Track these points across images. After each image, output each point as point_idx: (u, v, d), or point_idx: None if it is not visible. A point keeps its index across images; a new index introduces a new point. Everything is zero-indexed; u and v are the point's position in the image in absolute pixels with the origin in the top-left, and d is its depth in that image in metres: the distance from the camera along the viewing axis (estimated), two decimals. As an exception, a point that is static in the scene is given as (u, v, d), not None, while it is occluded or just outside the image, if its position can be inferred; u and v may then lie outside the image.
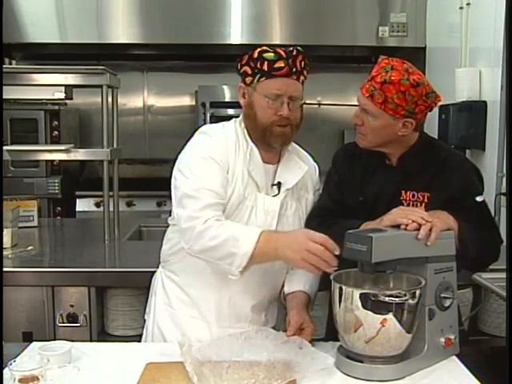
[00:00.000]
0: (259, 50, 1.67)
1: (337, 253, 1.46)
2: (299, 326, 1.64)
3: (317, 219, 1.83)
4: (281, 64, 1.64)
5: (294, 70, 1.65)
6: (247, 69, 1.69)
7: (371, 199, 1.75)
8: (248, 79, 1.69)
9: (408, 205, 1.70)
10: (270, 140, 1.70)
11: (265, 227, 1.65)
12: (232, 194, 1.67)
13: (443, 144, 1.90)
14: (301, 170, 1.78)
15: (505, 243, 1.71)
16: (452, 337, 1.58)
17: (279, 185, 1.74)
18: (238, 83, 1.76)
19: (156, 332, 1.81)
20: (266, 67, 1.65)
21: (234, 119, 1.80)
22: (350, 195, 1.80)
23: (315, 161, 1.91)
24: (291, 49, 1.68)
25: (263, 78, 1.66)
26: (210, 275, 1.70)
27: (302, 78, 1.69)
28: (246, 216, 1.69)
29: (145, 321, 1.91)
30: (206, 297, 1.74)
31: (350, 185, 1.81)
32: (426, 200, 1.70)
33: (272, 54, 1.65)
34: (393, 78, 1.60)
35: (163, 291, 1.83)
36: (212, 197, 1.62)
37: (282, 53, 1.66)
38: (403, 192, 1.72)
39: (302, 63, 1.68)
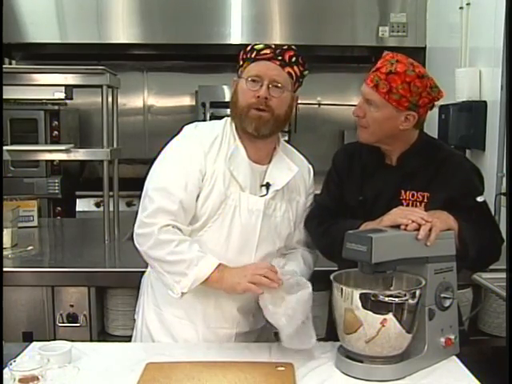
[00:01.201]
0: (254, 43, 1.71)
1: (279, 281, 1.54)
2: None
3: (316, 219, 1.83)
4: (266, 51, 1.67)
5: (280, 58, 1.66)
6: (239, 61, 1.73)
7: (371, 199, 1.75)
8: (239, 70, 1.73)
9: (408, 204, 1.70)
10: (245, 124, 1.67)
11: (249, 227, 1.68)
12: (211, 194, 1.66)
13: (443, 144, 1.90)
14: (291, 171, 1.76)
15: (505, 243, 1.71)
16: (452, 337, 1.58)
17: (268, 185, 1.73)
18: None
19: (144, 332, 1.82)
20: (253, 55, 1.69)
21: (226, 118, 1.79)
22: (349, 195, 1.80)
23: (313, 161, 1.91)
24: (284, 44, 1.71)
25: (247, 63, 1.69)
26: None
27: (288, 69, 1.67)
28: (229, 215, 1.68)
29: (135, 320, 1.91)
30: (192, 298, 1.71)
31: (350, 184, 1.80)
32: (425, 200, 1.69)
33: (262, 45, 1.69)
34: (398, 69, 1.62)
35: (151, 291, 1.83)
36: (170, 200, 1.63)
37: (272, 45, 1.68)
38: (403, 191, 1.72)
39: (293, 58, 1.67)
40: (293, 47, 1.70)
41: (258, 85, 1.65)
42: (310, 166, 1.89)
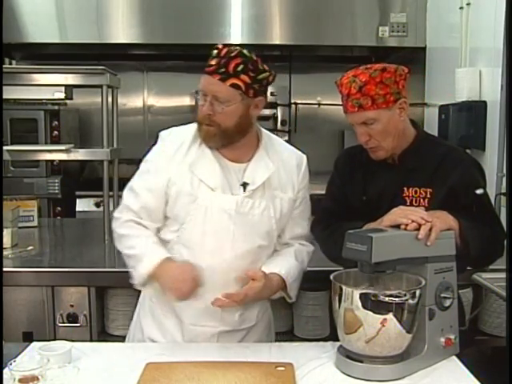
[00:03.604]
0: (220, 45, 1.68)
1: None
2: (254, 275, 1.68)
3: (321, 224, 1.86)
4: (212, 62, 1.65)
5: (222, 70, 1.63)
6: None
7: (374, 198, 1.76)
8: None
9: (411, 201, 1.72)
10: (201, 138, 1.72)
11: (222, 226, 1.70)
12: (179, 196, 1.71)
13: (441, 140, 1.92)
14: (268, 170, 1.75)
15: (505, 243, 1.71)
16: (452, 337, 1.58)
17: (245, 184, 1.73)
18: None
19: (138, 325, 1.87)
20: (206, 65, 1.68)
21: None
22: (353, 196, 1.81)
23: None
24: (236, 49, 1.66)
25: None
26: None
27: (232, 80, 1.63)
28: (200, 215, 1.71)
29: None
30: None
31: (353, 186, 1.81)
32: (428, 195, 1.71)
33: (214, 52, 1.67)
34: (363, 79, 1.65)
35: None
36: (135, 200, 1.75)
37: (223, 51, 1.65)
38: (406, 189, 1.73)
39: (239, 67, 1.63)
40: (244, 52, 1.66)
41: (203, 100, 1.67)
42: (304, 157, 1.86)
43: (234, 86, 1.64)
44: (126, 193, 1.79)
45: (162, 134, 1.82)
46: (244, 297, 1.65)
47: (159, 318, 1.81)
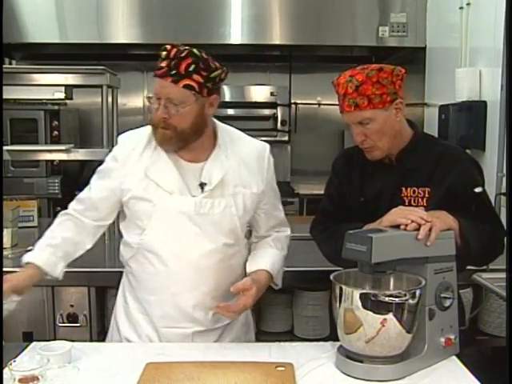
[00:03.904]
0: (170, 46, 1.65)
1: None
2: (244, 287, 1.68)
3: (319, 225, 1.87)
4: (163, 64, 1.62)
5: (174, 72, 1.60)
6: None
7: (372, 199, 1.76)
8: None
9: (409, 201, 1.72)
10: (156, 141, 1.70)
11: (181, 228, 1.70)
12: (138, 201, 1.71)
13: (439, 139, 1.92)
14: (223, 169, 1.73)
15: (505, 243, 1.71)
16: (452, 337, 1.58)
17: (203, 185, 1.72)
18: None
19: (114, 326, 1.88)
20: (156, 68, 1.64)
21: None
22: (351, 197, 1.81)
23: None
24: (186, 49, 1.63)
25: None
26: (149, 277, 1.76)
27: (185, 81, 1.60)
28: (160, 220, 1.71)
29: None
30: (149, 298, 1.78)
31: (351, 187, 1.81)
32: (426, 195, 1.71)
33: (164, 53, 1.63)
34: (359, 79, 1.65)
35: (122, 287, 1.89)
36: (87, 193, 1.80)
37: (173, 52, 1.62)
38: (404, 189, 1.73)
39: (190, 67, 1.60)
40: (194, 52, 1.63)
41: (157, 103, 1.64)
42: (266, 145, 1.84)
43: (187, 86, 1.61)
44: (82, 192, 1.83)
45: (120, 137, 1.81)
46: (244, 307, 1.67)
47: (135, 320, 1.81)
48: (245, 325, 1.90)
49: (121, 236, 1.85)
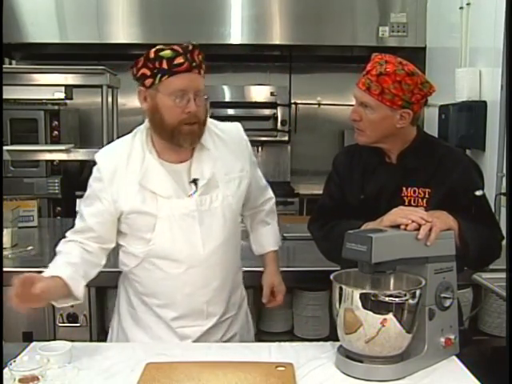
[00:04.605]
0: (154, 49, 1.61)
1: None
2: (271, 289, 1.92)
3: (318, 222, 1.86)
4: (180, 60, 1.59)
5: (194, 64, 1.61)
6: (145, 71, 1.63)
7: (373, 197, 1.75)
8: (148, 81, 1.64)
9: (410, 201, 1.71)
10: (179, 141, 1.65)
11: (189, 230, 1.70)
12: (137, 216, 1.68)
13: (441, 140, 1.92)
14: (212, 160, 1.73)
15: (504, 243, 1.71)
16: (452, 337, 1.58)
17: (195, 181, 1.71)
18: (138, 88, 1.72)
19: (120, 333, 1.86)
20: (165, 65, 1.59)
21: (136, 128, 1.82)
22: (351, 194, 1.80)
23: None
24: (186, 44, 1.63)
25: (165, 77, 1.60)
26: (159, 283, 1.74)
27: (202, 71, 1.65)
28: (165, 226, 1.69)
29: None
30: (160, 303, 1.77)
31: (351, 184, 1.81)
32: (427, 195, 1.71)
33: (169, 52, 1.60)
34: (388, 69, 1.63)
35: (125, 293, 1.86)
36: (83, 224, 1.72)
37: (179, 49, 1.60)
38: (404, 189, 1.73)
39: (200, 57, 1.64)
40: (194, 43, 1.64)
41: (184, 99, 1.60)
42: (238, 125, 1.85)
43: (203, 76, 1.66)
44: (77, 217, 1.76)
45: (96, 157, 1.74)
46: (281, 298, 1.94)
47: (144, 323, 1.80)
48: (246, 313, 1.94)
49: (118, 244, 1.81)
